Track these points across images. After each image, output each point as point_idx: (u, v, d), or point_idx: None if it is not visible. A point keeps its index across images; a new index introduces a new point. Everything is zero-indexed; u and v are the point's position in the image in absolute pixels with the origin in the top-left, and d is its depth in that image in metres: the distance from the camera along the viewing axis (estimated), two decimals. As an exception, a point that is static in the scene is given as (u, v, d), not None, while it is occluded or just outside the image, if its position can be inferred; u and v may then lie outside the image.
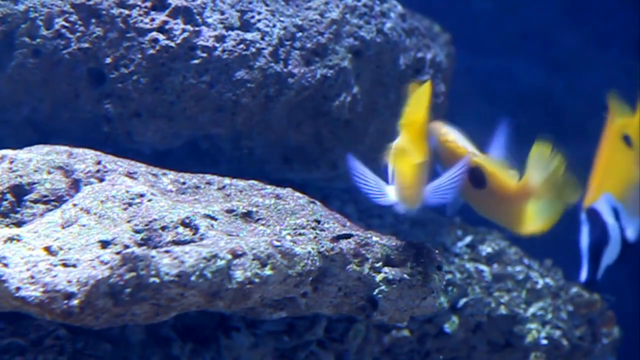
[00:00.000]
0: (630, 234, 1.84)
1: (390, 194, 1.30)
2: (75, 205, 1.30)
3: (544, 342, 1.79)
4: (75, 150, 1.43)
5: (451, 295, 1.72)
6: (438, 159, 1.53)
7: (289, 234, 1.31)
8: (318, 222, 1.35)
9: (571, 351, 1.84)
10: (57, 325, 1.35)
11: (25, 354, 1.33)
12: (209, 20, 1.56)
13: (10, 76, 1.54)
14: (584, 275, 1.82)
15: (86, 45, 1.53)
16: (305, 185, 1.73)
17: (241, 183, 1.46)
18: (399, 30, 1.76)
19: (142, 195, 1.31)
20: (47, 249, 1.21)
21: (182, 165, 1.54)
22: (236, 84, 1.57)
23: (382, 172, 1.37)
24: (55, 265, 1.17)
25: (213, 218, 1.29)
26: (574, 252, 1.91)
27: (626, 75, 2.34)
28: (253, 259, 1.19)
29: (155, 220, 1.26)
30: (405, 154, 1.29)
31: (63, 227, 1.27)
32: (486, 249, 1.86)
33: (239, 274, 1.17)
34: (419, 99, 1.36)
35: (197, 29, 1.55)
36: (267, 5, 1.62)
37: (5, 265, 1.17)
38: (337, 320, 1.57)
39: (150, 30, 1.54)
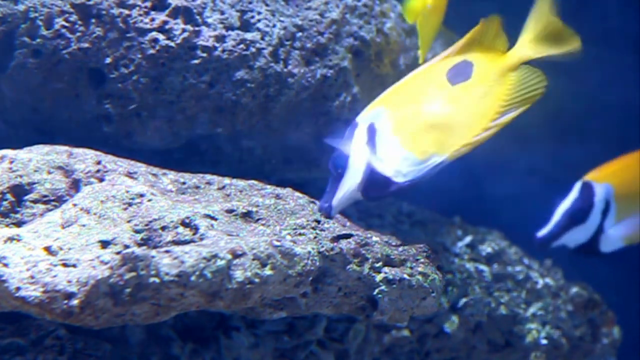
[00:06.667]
0: (606, 243, 1.79)
1: None
2: (75, 205, 1.30)
3: (544, 342, 1.79)
4: (75, 150, 1.43)
5: (451, 295, 1.72)
6: None
7: (289, 234, 1.31)
8: (318, 222, 1.35)
9: (571, 351, 1.84)
10: (57, 325, 1.35)
11: (25, 354, 1.33)
12: (209, 20, 1.56)
13: (10, 76, 1.54)
14: (543, 232, 1.76)
15: (86, 45, 1.53)
16: (305, 185, 1.73)
17: (241, 183, 1.46)
18: (399, 30, 1.76)
19: (142, 195, 1.31)
20: (47, 249, 1.21)
21: (182, 165, 1.54)
22: (236, 84, 1.57)
23: None
24: (55, 265, 1.17)
25: (213, 218, 1.29)
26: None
27: (626, 74, 2.34)
28: (253, 259, 1.19)
29: (155, 220, 1.26)
30: None
31: (63, 227, 1.27)
32: (486, 249, 1.86)
33: (239, 274, 1.17)
34: None
35: (197, 29, 1.55)
36: (267, 5, 1.62)
37: (5, 265, 1.17)
38: (337, 320, 1.57)
39: (150, 30, 1.54)
